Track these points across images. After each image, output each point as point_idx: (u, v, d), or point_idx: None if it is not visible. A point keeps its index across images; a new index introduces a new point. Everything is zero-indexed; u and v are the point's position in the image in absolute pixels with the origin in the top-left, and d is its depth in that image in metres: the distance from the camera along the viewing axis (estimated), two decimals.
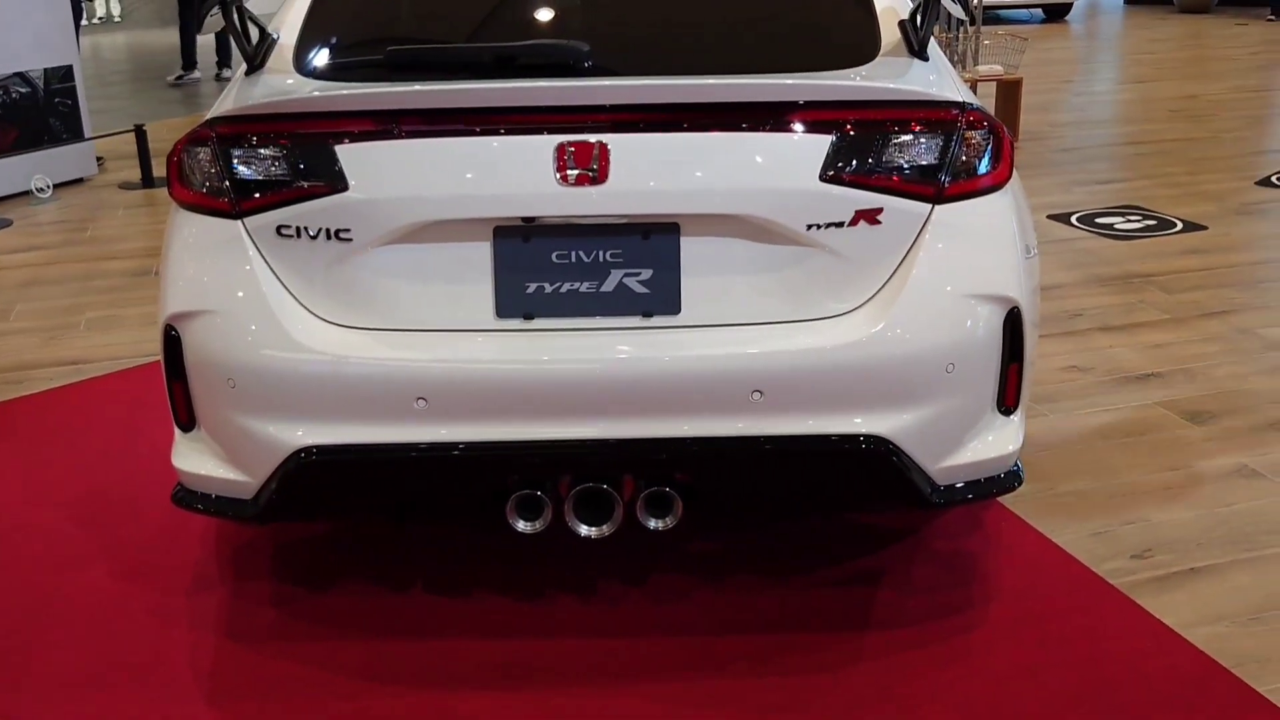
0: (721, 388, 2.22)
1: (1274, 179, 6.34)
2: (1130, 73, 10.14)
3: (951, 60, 7.43)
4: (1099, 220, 5.69)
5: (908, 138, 2.26)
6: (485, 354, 2.24)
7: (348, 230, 2.23)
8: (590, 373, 2.22)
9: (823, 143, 2.23)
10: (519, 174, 2.21)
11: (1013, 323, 2.34)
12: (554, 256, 2.27)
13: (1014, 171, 2.44)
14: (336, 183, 2.21)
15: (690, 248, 2.27)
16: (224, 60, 9.62)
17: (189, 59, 9.62)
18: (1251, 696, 2.34)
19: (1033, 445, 3.39)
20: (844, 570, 2.79)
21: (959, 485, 2.37)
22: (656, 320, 2.29)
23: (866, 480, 2.36)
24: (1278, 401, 3.70)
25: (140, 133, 6.64)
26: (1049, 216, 5.73)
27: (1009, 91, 7.39)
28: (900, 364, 2.25)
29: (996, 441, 2.39)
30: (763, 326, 2.28)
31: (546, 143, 2.20)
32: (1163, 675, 2.41)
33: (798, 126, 2.24)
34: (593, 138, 2.19)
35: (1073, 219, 5.71)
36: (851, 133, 2.24)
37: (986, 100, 7.80)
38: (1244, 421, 3.57)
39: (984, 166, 2.34)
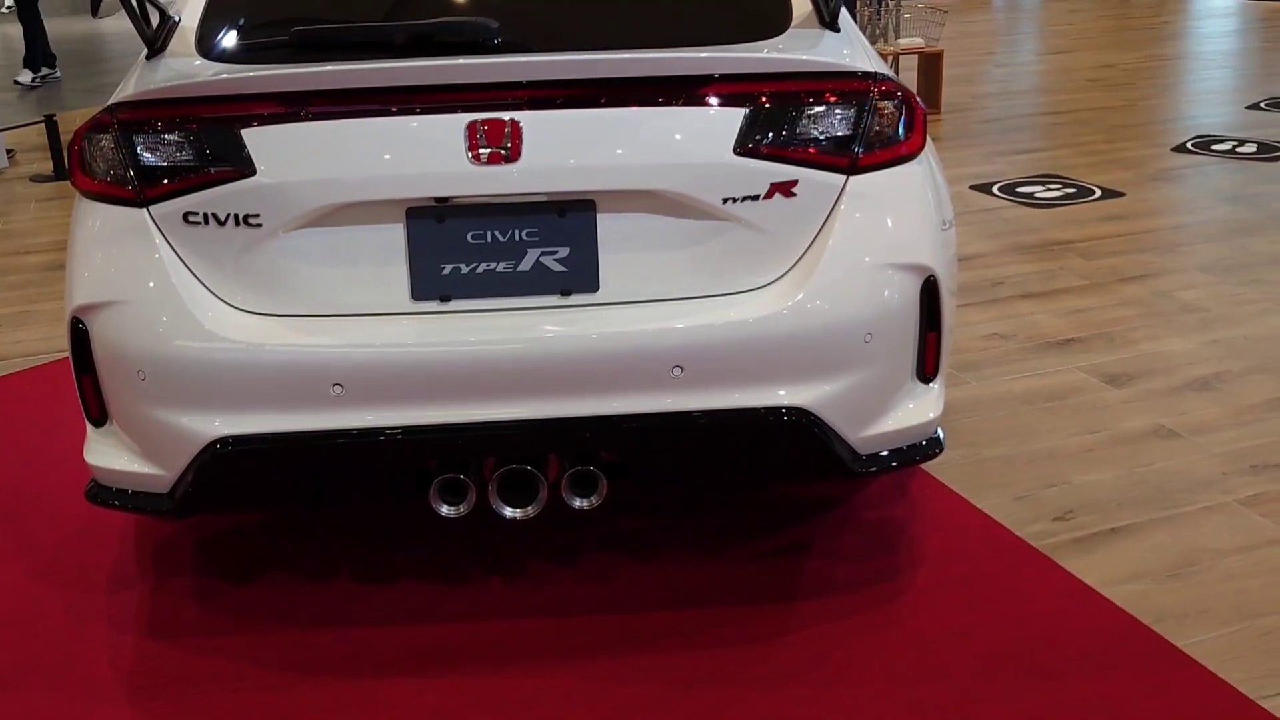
0: (641, 364, 2.23)
1: (1189, 145, 6.49)
2: (1049, 44, 10.29)
3: (873, 35, 7.54)
4: (1019, 189, 5.76)
5: (821, 109, 2.28)
6: (401, 338, 2.23)
7: (257, 215, 2.20)
8: (509, 353, 2.22)
9: (736, 116, 2.23)
10: (430, 154, 2.19)
11: (929, 291, 2.37)
12: (469, 237, 2.26)
13: (928, 141, 2.46)
14: (244, 167, 2.18)
15: (607, 225, 2.27)
16: (31, 60, 8.64)
17: (40, 55, 8.64)
18: (1171, 651, 2.39)
19: (956, 412, 3.42)
20: (772, 542, 2.80)
21: (882, 454, 2.40)
22: (575, 299, 2.29)
23: (790, 451, 2.37)
24: (1194, 363, 3.77)
25: (51, 123, 6.50)
26: (971, 187, 5.80)
27: (930, 64, 7.47)
28: (819, 335, 2.26)
29: (917, 409, 2.43)
30: (682, 302, 2.29)
31: (458, 121, 2.18)
32: (1086, 634, 2.44)
33: (711, 100, 2.24)
34: (505, 115, 2.18)
35: (994, 189, 5.78)
36: (765, 105, 2.25)
37: (908, 74, 7.87)
38: (1162, 383, 3.63)
39: (897, 136, 2.36)
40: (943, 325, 2.42)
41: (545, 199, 2.26)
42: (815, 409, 2.28)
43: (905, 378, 2.40)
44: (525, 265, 2.28)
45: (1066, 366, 3.77)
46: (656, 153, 2.23)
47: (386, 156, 2.20)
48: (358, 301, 2.27)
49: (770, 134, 2.26)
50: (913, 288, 2.35)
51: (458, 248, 2.26)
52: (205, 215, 2.21)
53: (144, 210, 2.23)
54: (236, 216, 2.20)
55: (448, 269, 2.27)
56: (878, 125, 2.32)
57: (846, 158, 2.30)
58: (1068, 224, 5.20)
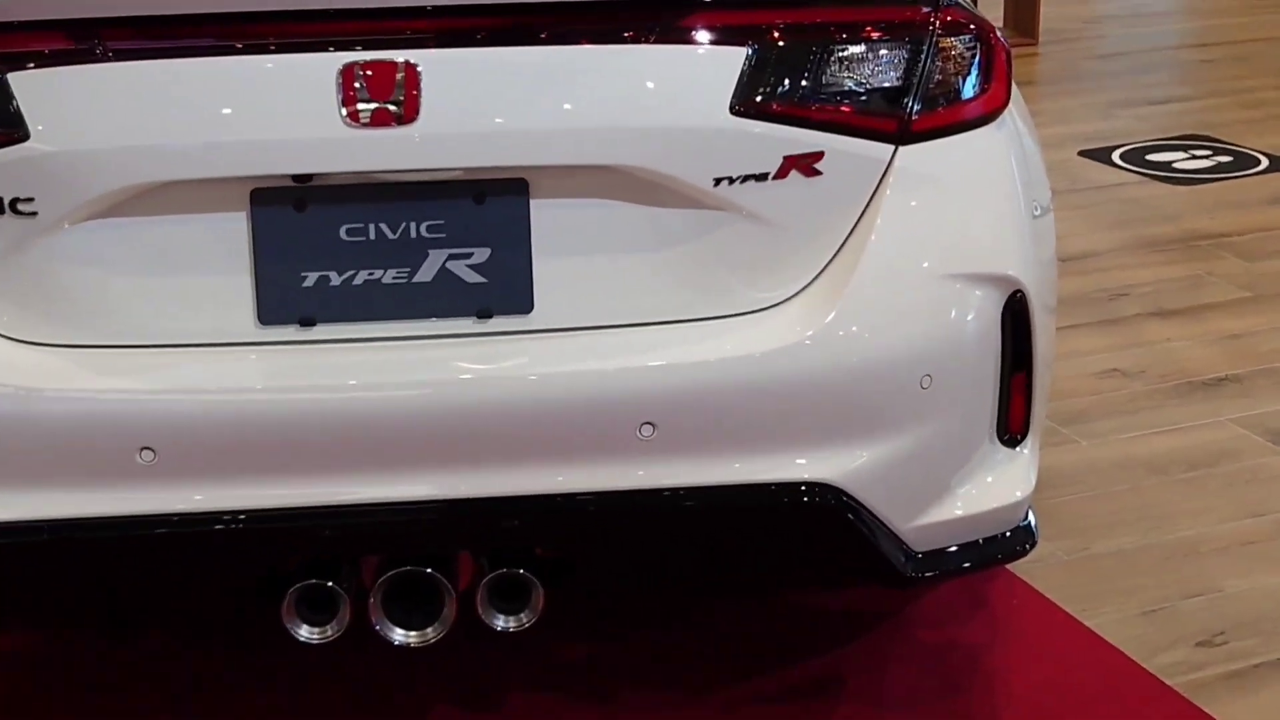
0: (594, 421, 2.27)
1: None
2: None
3: None
4: (1152, 157, 5.80)
5: (857, 49, 2.32)
6: (242, 380, 2.27)
7: (30, 200, 2.22)
8: (401, 404, 2.25)
9: (734, 59, 2.27)
10: (286, 111, 2.22)
11: (1016, 313, 2.41)
12: (343, 232, 2.28)
13: (1014, 92, 2.50)
14: (11, 129, 2.19)
15: (545, 215, 2.31)
16: None
17: None
18: None
19: (1056, 486, 3.41)
20: (787, 678, 2.79)
21: (948, 550, 2.45)
22: (498, 323, 2.32)
23: (813, 547, 2.43)
24: None
25: None
26: (1081, 153, 5.83)
27: None
28: (854, 377, 2.31)
29: (999, 485, 2.48)
30: (653, 328, 2.33)
31: (326, 64, 2.21)
32: None
33: (698, 35, 2.29)
34: (396, 55, 2.20)
35: (1115, 156, 5.82)
36: (776, 43, 2.29)
37: None
38: None
39: (969, 88, 2.40)
40: (1035, 361, 2.45)
41: (455, 177, 2.28)
42: (849, 486, 2.32)
43: (980, 439, 2.45)
44: (425, 274, 2.30)
45: (1217, 418, 3.77)
46: (617, 111, 2.27)
47: (220, 115, 2.22)
48: (178, 327, 2.29)
49: (784, 85, 2.29)
50: (991, 308, 2.39)
51: (326, 248, 2.28)
52: None
53: None
54: (0, 201, 2.21)
55: (311, 279, 2.29)
56: (941, 72, 2.36)
57: (895, 119, 2.34)
58: (1221, 208, 5.23)
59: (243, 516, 2.24)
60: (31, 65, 2.20)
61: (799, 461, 2.30)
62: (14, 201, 2.21)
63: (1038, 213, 2.51)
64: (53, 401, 2.21)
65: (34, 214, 2.22)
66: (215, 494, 2.24)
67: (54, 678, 2.81)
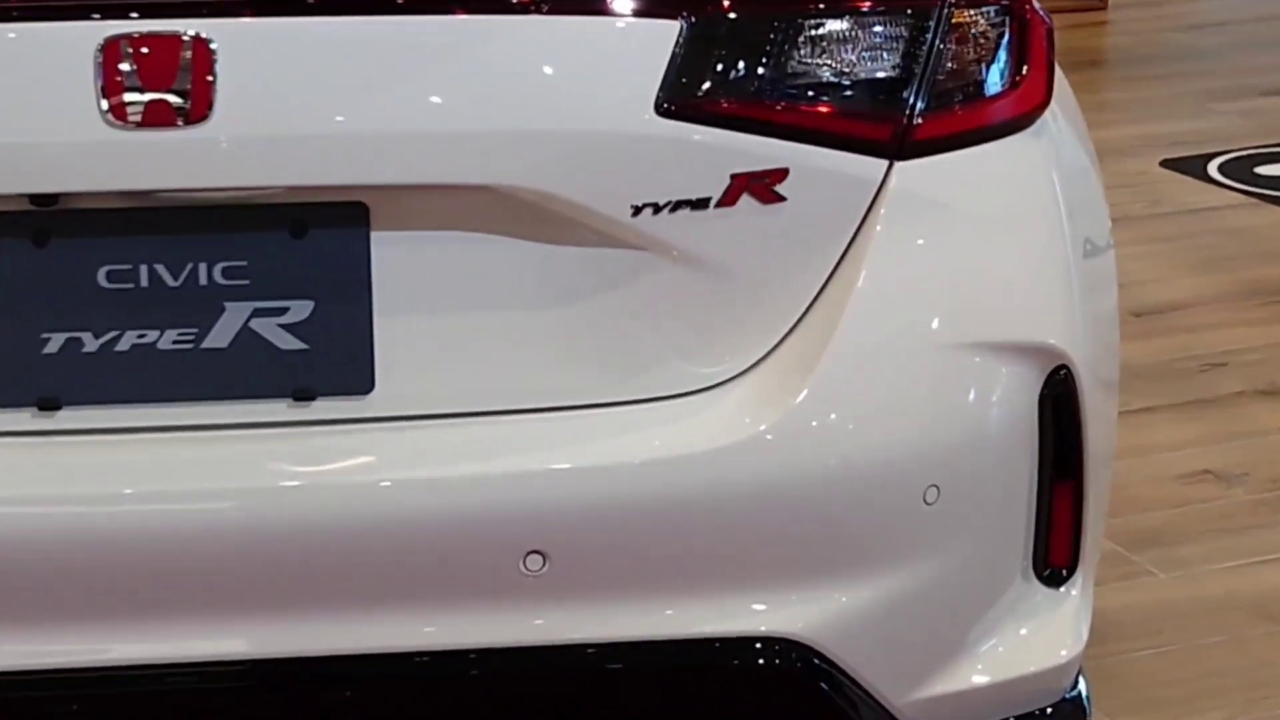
0: (461, 549, 2.30)
1: None
2: None
3: None
4: (1262, 170, 5.85)
5: (837, 25, 2.35)
6: None
7: None
8: (185, 524, 2.26)
9: (663, 36, 2.30)
10: (21, 103, 2.23)
11: (1059, 396, 2.44)
12: (102, 277, 2.29)
13: (1059, 83, 2.55)
14: None
15: (392, 256, 2.33)
16: None
17: None
18: None
19: (1119, 639, 3.40)
20: None
21: None
22: (323, 408, 2.34)
23: None
24: None
25: None
26: (1164, 163, 5.89)
27: None
28: (830, 489, 2.35)
29: (1035, 641, 2.51)
30: (545, 417, 2.37)
31: (81, 36, 2.21)
32: None
33: (610, 3, 2.32)
34: (181, 26, 2.21)
35: (1211, 168, 5.87)
36: (724, 14, 2.33)
37: None
38: None
39: (993, 81, 2.44)
40: (1088, 463, 2.48)
41: (265, 200, 2.30)
42: (822, 643, 2.34)
43: (1009, 576, 2.48)
44: (220, 338, 2.31)
45: None
46: (496, 109, 2.29)
47: None
48: None
49: (732, 74, 2.33)
50: (1024, 391, 2.42)
51: (78, 300, 2.29)
52: None
53: None
54: None
55: (56, 343, 2.29)
56: (954, 58, 2.40)
57: (890, 124, 2.38)
58: None
59: None
60: None
61: (753, 608, 2.34)
62: None
63: (1091, 250, 2.54)
64: None
65: None
66: None
67: None
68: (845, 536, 2.37)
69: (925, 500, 2.36)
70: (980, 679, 2.47)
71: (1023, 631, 2.48)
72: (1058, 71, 2.54)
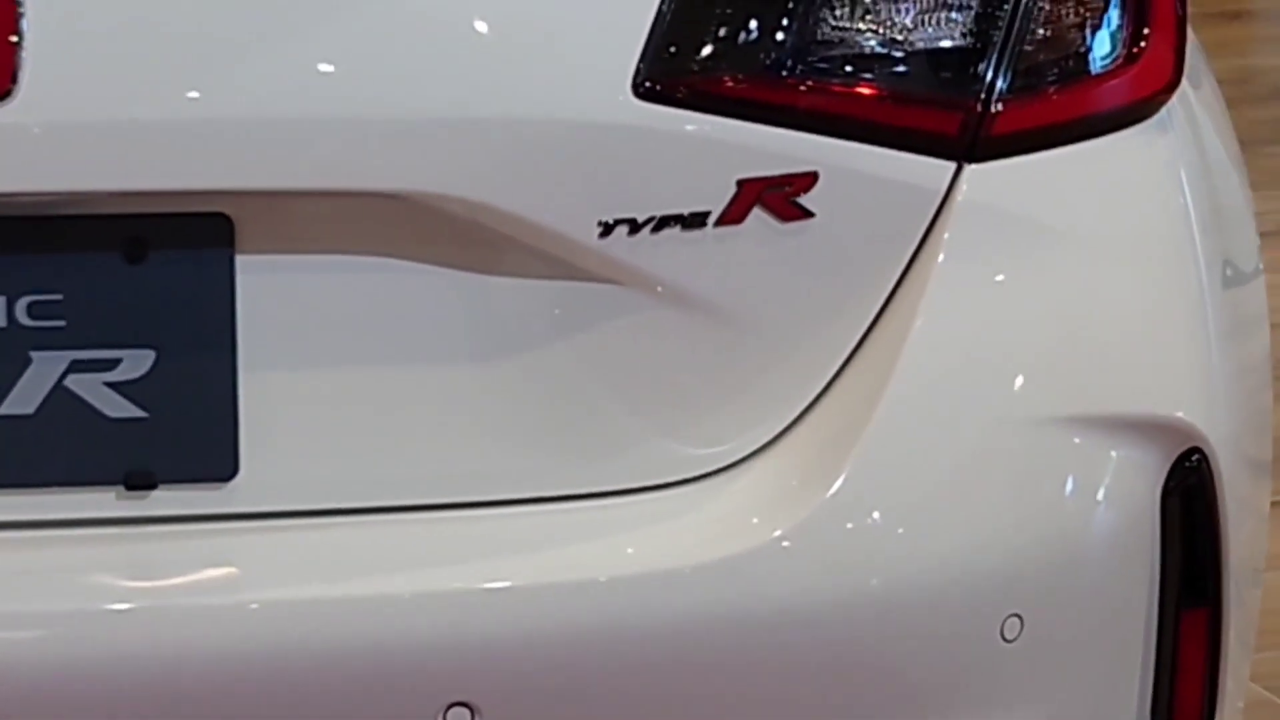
0: (357, 699, 1.96)
1: None
2: None
3: None
4: None
5: None
6: None
7: None
8: None
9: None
10: None
11: (1191, 490, 2.12)
12: None
13: (1194, 59, 2.26)
14: None
15: (264, 286, 2.01)
16: None
17: None
18: None
19: None
20: None
21: None
22: (167, 498, 1.99)
23: None
24: None
25: None
26: None
27: None
28: (875, 619, 2.03)
29: None
30: (476, 514, 2.04)
31: None
32: None
33: None
34: None
35: None
36: None
37: None
38: None
39: (1098, 56, 2.11)
40: (1226, 581, 2.16)
41: (90, 210, 1.98)
42: None
43: None
44: (25, 400, 1.97)
45: None
46: (409, 91, 1.98)
47: None
48: None
49: (739, 43, 2.02)
50: (1141, 484, 2.09)
51: None
52: None
53: None
54: None
55: None
56: (1046, 24, 2.09)
57: (958, 113, 2.06)
58: None
59: None
60: None
61: None
62: None
63: (1233, 281, 2.26)
64: None
65: None
66: None
67: None
68: (891, 686, 2.05)
69: (1003, 635, 2.03)
70: None
71: None
72: (1190, 38, 2.22)
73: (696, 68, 1.95)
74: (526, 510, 2.01)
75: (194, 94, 1.89)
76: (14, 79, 1.83)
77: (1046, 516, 2.05)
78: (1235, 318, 2.23)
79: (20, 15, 1.82)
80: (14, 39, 1.82)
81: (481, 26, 1.95)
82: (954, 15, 2.03)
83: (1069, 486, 2.06)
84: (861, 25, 2.00)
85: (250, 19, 1.93)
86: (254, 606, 1.95)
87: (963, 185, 2.02)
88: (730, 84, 1.96)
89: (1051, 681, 2.08)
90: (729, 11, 1.98)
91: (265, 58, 1.92)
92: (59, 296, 1.92)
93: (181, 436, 1.96)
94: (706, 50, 1.96)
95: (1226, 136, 2.39)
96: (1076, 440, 2.04)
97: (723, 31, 1.97)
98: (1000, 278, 2.05)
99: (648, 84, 1.92)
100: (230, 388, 1.94)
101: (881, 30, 2.00)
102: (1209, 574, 2.11)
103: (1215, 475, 2.07)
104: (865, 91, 2.00)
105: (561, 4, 1.99)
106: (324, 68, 1.92)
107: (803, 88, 1.98)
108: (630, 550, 1.98)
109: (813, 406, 2.03)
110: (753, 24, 1.98)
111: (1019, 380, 2.06)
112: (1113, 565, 2.08)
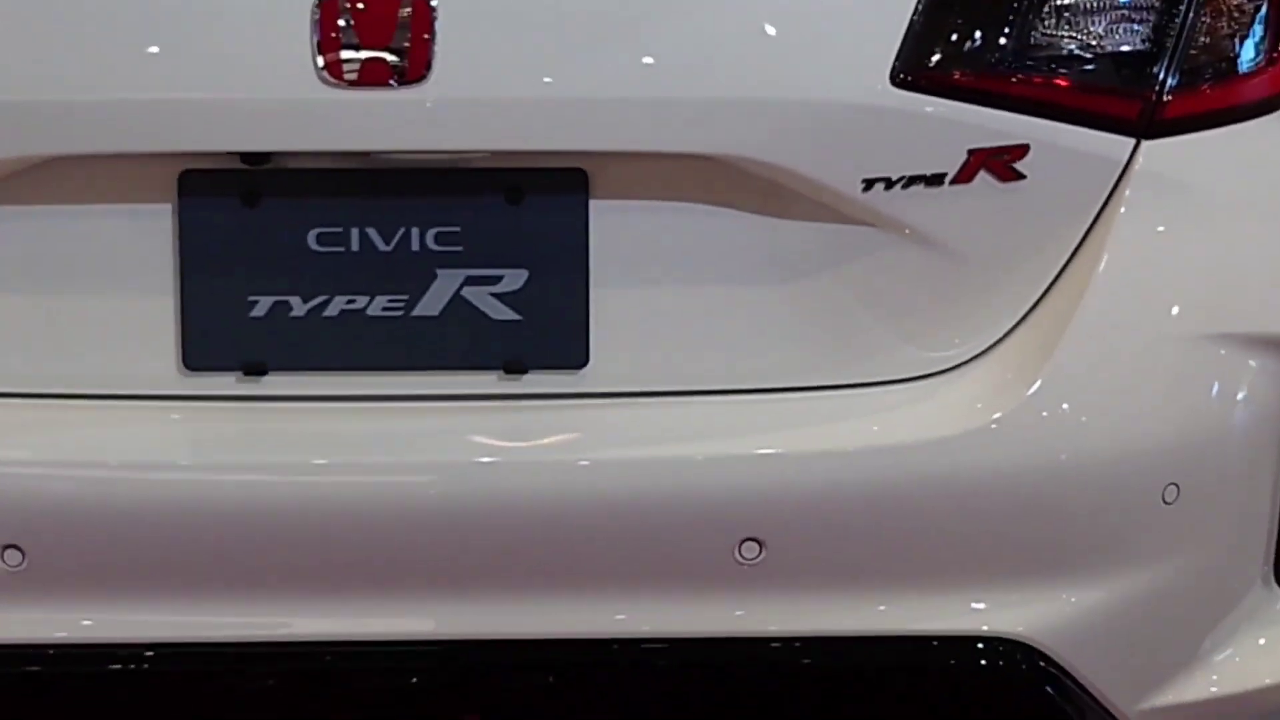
0: (675, 534, 2.22)
1: None
2: None
3: None
4: None
5: None
6: (155, 452, 2.27)
7: None
8: (389, 497, 2.22)
9: (900, 4, 2.24)
10: (236, 60, 2.19)
11: None
12: (312, 239, 2.25)
13: None
14: None
15: (610, 225, 2.27)
16: None
17: None
18: None
19: None
20: None
21: None
22: (535, 381, 2.28)
23: None
24: None
25: None
26: None
27: None
28: (1064, 483, 2.26)
29: (1271, 652, 2.41)
30: (766, 398, 2.30)
31: None
32: None
33: None
34: None
35: None
36: None
37: None
38: None
39: (1248, 56, 2.33)
40: None
41: (481, 164, 2.25)
42: (1050, 645, 2.26)
43: (1248, 581, 2.39)
44: (431, 305, 2.25)
45: None
46: (723, 76, 2.23)
47: (140, 62, 2.18)
48: (64, 371, 2.28)
49: (972, 45, 2.26)
50: (1274, 385, 2.32)
51: (287, 262, 2.26)
52: None
53: None
54: None
55: (263, 307, 2.26)
56: (1208, 32, 2.30)
57: (1138, 100, 2.28)
58: None
59: (150, 654, 2.23)
60: None
61: (977, 607, 2.27)
62: None
63: None
64: None
65: None
66: (111, 619, 2.22)
67: None
68: (1076, 535, 2.28)
69: (1164, 499, 2.27)
70: (1214, 689, 2.38)
71: (1261, 641, 2.40)
72: None
73: (937, 64, 2.23)
74: (804, 396, 2.28)
75: (561, 80, 2.18)
76: (428, 66, 2.13)
77: (1198, 409, 2.29)
78: None
79: (434, 19, 2.13)
80: (427, 37, 2.13)
81: (779, 35, 2.22)
82: (1135, 26, 2.27)
83: (1217, 387, 2.30)
84: (1064, 33, 2.25)
85: (602, 25, 2.21)
86: (597, 464, 2.24)
87: (1140, 157, 2.28)
88: (963, 77, 2.23)
89: (1199, 537, 2.30)
90: (962, 23, 2.23)
91: (614, 53, 2.20)
92: (457, 229, 2.23)
93: (546, 335, 2.25)
94: (945, 52, 2.23)
95: None
96: (1223, 352, 2.28)
97: (957, 37, 2.24)
98: (1166, 227, 2.30)
99: (901, 76, 2.20)
100: (584, 299, 2.24)
101: (1079, 36, 2.26)
102: None
103: None
104: (1066, 83, 2.26)
105: (838, 16, 2.24)
106: (658, 63, 2.20)
107: (1017, 80, 2.24)
108: (879, 428, 2.26)
109: (1019, 324, 2.29)
110: (980, 32, 2.24)
111: (1178, 306, 2.29)
112: (1249, 447, 2.31)
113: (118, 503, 2.18)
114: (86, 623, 2.21)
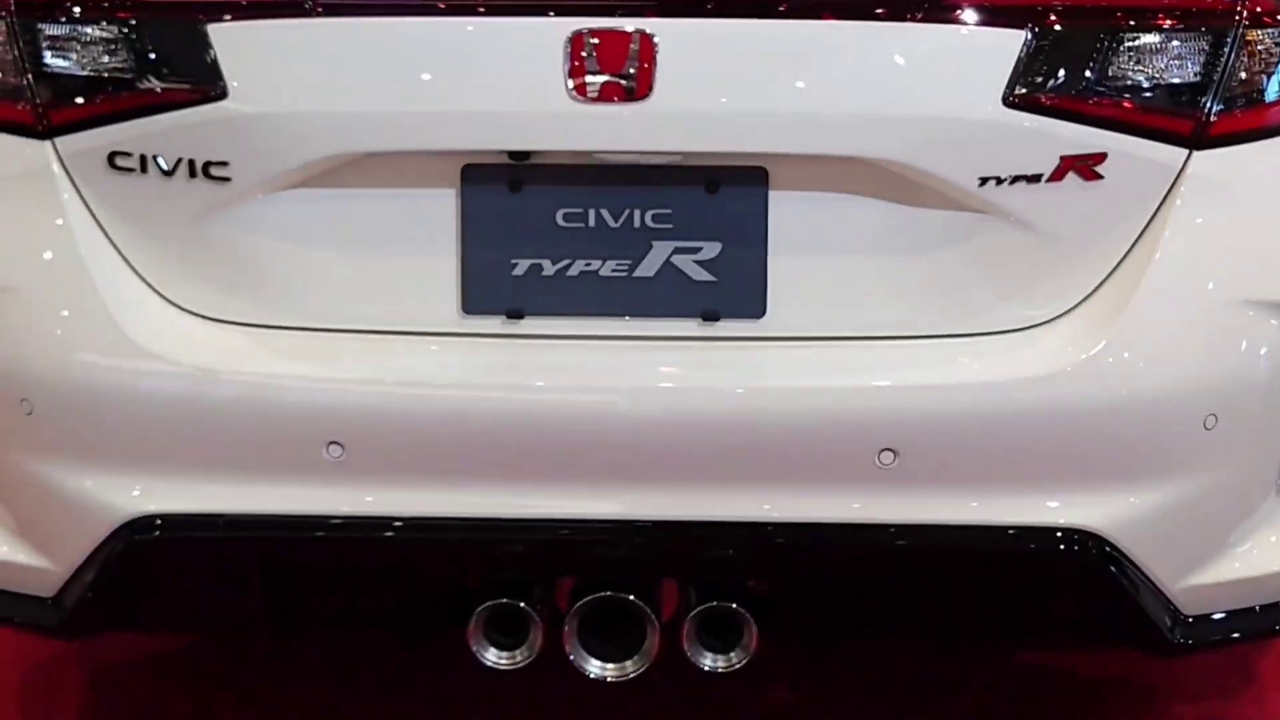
0: (831, 443, 2.42)
1: None
2: None
3: None
4: None
5: (1149, 38, 2.44)
6: (443, 375, 2.46)
7: (224, 164, 2.41)
8: (614, 411, 2.43)
9: (1010, 43, 2.41)
10: (506, 81, 2.39)
11: None
12: (559, 217, 2.47)
13: None
14: (208, 85, 2.38)
15: (784, 210, 2.47)
16: None
17: None
18: None
19: None
20: None
21: (1219, 617, 2.60)
22: (725, 327, 2.49)
23: (1065, 603, 2.60)
24: None
25: None
26: None
27: None
28: (1128, 412, 2.45)
29: None
30: (900, 343, 2.50)
31: (553, 30, 2.37)
32: None
33: (970, 15, 2.43)
34: (629, 24, 2.37)
35: None
36: (1058, 27, 2.42)
37: None
38: None
39: (1274, 88, 2.52)
40: None
41: (688, 163, 2.44)
42: (1115, 536, 2.46)
43: (1265, 492, 2.60)
44: (648, 268, 2.48)
45: None
46: (873, 96, 2.42)
47: (434, 82, 2.40)
48: (375, 312, 2.49)
49: (1064, 75, 2.42)
50: None
51: (540, 234, 2.47)
52: (142, 158, 2.42)
53: (47, 143, 2.46)
54: (193, 164, 2.41)
55: (522, 268, 2.47)
56: (1245, 69, 2.48)
57: (1190, 120, 2.47)
58: None
59: (433, 525, 2.44)
60: (232, 17, 2.39)
61: (1058, 505, 2.45)
62: (206, 165, 2.40)
63: None
64: (234, 385, 2.41)
65: (226, 179, 2.41)
66: (405, 498, 2.43)
67: (198, 695, 2.99)
68: (1135, 452, 2.45)
69: (1205, 426, 2.46)
70: (1238, 571, 2.56)
71: (1273, 538, 2.60)
72: None
73: (1038, 90, 2.40)
74: (929, 343, 2.47)
75: (740, 100, 2.38)
76: (650, 88, 2.34)
77: (1232, 358, 2.47)
78: None
79: (656, 52, 2.34)
80: (650, 65, 2.34)
81: (918, 66, 2.40)
82: (1189, 64, 2.43)
83: (1245, 343, 2.47)
84: (1134, 68, 2.43)
85: (780, 57, 2.39)
86: (773, 388, 2.43)
87: (1191, 164, 2.46)
88: (1058, 100, 2.40)
89: (1230, 456, 2.49)
90: (1057, 59, 2.39)
91: (788, 78, 2.39)
92: (669, 210, 2.45)
93: (735, 292, 2.46)
94: (1044, 80, 2.40)
95: None
96: (1253, 314, 2.47)
97: (1053, 70, 2.40)
98: (1211, 218, 2.47)
99: (1010, 98, 2.39)
100: (763, 265, 2.46)
101: (1146, 71, 2.44)
102: None
103: None
104: (1135, 106, 2.43)
105: (963, 53, 2.42)
106: (821, 86, 2.40)
107: (1099, 103, 2.42)
108: (986, 368, 2.43)
109: (1096, 291, 2.47)
110: (1071, 66, 2.40)
111: (1218, 279, 2.47)
112: (1268, 389, 2.49)
113: (412, 412, 2.38)
114: (387, 501, 2.41)
